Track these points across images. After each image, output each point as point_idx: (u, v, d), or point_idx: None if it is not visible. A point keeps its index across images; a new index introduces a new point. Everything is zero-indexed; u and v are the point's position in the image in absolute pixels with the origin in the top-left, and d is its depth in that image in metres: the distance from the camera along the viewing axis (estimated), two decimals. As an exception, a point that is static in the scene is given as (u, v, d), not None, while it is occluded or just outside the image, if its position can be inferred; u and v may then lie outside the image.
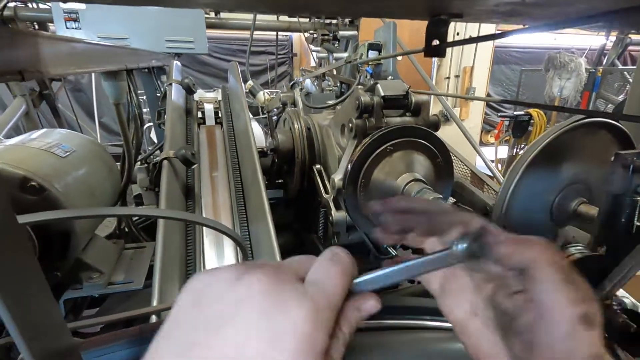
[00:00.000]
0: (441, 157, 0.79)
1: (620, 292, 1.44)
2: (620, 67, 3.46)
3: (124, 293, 0.80)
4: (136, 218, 1.37)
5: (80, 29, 1.81)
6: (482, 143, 5.78)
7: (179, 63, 1.50)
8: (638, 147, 0.87)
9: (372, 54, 1.03)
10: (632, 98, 1.00)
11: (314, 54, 1.98)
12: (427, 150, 0.77)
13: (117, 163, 1.23)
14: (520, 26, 0.54)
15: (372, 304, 0.27)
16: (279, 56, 5.11)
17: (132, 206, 1.11)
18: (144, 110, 1.78)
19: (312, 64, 2.61)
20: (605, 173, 0.77)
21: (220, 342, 0.23)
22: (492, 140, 5.63)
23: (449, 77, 4.51)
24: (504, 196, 0.81)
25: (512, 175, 0.80)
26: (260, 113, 2.08)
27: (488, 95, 5.61)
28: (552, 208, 0.87)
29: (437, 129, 0.80)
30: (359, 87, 0.77)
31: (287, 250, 1.45)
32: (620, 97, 3.14)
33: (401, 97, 0.77)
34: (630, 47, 3.43)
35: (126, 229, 1.17)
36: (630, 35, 3.27)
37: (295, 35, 5.56)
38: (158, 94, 1.58)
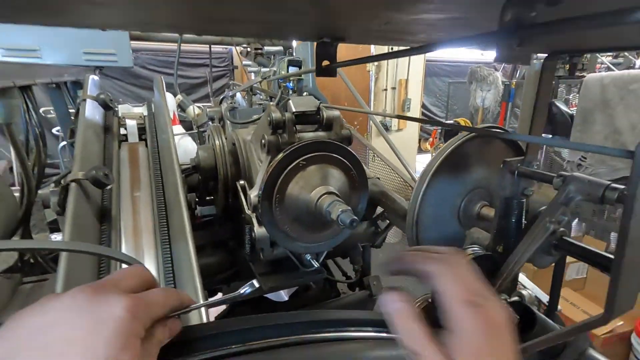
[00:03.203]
0: (354, 169, 0.82)
1: (530, 285, 1.59)
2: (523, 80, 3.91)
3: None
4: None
5: (-21, 39, 1.62)
6: (420, 150, 6.14)
7: (95, 77, 1.41)
8: (528, 154, 0.98)
9: (293, 70, 1.06)
10: (522, 117, 1.13)
11: (246, 67, 1.97)
12: (340, 163, 0.79)
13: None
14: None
15: (176, 325, 0.38)
16: (219, 69, 5.03)
17: (35, 237, 1.01)
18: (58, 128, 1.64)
19: (253, 77, 2.60)
20: (499, 178, 0.86)
21: (43, 349, 0.27)
22: (429, 147, 6.00)
23: (386, 89, 4.75)
24: (414, 203, 0.86)
25: (420, 183, 0.86)
26: (194, 128, 2.02)
27: (423, 105, 5.99)
28: (459, 212, 0.94)
29: (349, 143, 0.83)
30: (272, 104, 0.78)
31: (220, 269, 1.41)
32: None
33: (313, 113, 0.79)
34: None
35: (31, 260, 1.05)
36: (535, 52, 3.69)
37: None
38: (73, 110, 1.47)
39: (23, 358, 0.27)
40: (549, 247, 0.75)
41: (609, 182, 0.56)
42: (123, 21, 0.72)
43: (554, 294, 0.84)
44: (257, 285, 0.42)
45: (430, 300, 0.65)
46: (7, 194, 0.83)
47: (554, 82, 3.37)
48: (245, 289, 0.43)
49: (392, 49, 0.66)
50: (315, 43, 0.51)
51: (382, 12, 0.34)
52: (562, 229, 0.74)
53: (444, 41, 0.45)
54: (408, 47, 0.51)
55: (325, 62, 0.54)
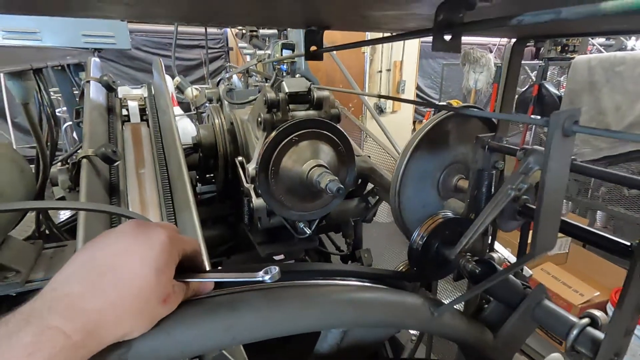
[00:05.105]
0: (342, 145, 0.90)
1: (505, 253, 1.70)
2: (522, 61, 3.95)
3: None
4: (59, 220, 1.33)
5: (-20, 22, 1.65)
6: (415, 131, 6.19)
7: (97, 59, 1.46)
8: (499, 131, 1.07)
9: (286, 52, 1.12)
10: (497, 97, 1.20)
11: (242, 49, 2.01)
12: (329, 139, 0.88)
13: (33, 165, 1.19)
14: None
15: (210, 285, 0.46)
16: (214, 50, 5.00)
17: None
18: (62, 108, 1.70)
19: (248, 59, 2.63)
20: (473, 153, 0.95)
21: (111, 259, 0.37)
22: (423, 129, 6.07)
23: (380, 71, 4.78)
24: (397, 175, 0.95)
25: (403, 157, 0.95)
26: (192, 109, 2.08)
27: (418, 87, 6.03)
28: (439, 184, 1.04)
29: (338, 121, 0.91)
30: (267, 85, 0.86)
31: (221, 241, 1.51)
32: (522, 89, 3.62)
33: (304, 93, 0.87)
34: (529, 45, 3.94)
35: (47, 231, 1.14)
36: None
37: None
38: (76, 92, 1.52)
39: (97, 267, 0.36)
40: (513, 213, 0.85)
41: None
42: (125, 14, 0.78)
43: (520, 255, 0.95)
44: (278, 276, 0.39)
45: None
46: (26, 170, 0.91)
47: (544, 64, 3.43)
48: (266, 277, 0.40)
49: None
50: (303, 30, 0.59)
51: (358, 9, 0.42)
52: (524, 196, 0.84)
53: (408, 31, 0.53)
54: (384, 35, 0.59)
55: (313, 48, 0.62)
